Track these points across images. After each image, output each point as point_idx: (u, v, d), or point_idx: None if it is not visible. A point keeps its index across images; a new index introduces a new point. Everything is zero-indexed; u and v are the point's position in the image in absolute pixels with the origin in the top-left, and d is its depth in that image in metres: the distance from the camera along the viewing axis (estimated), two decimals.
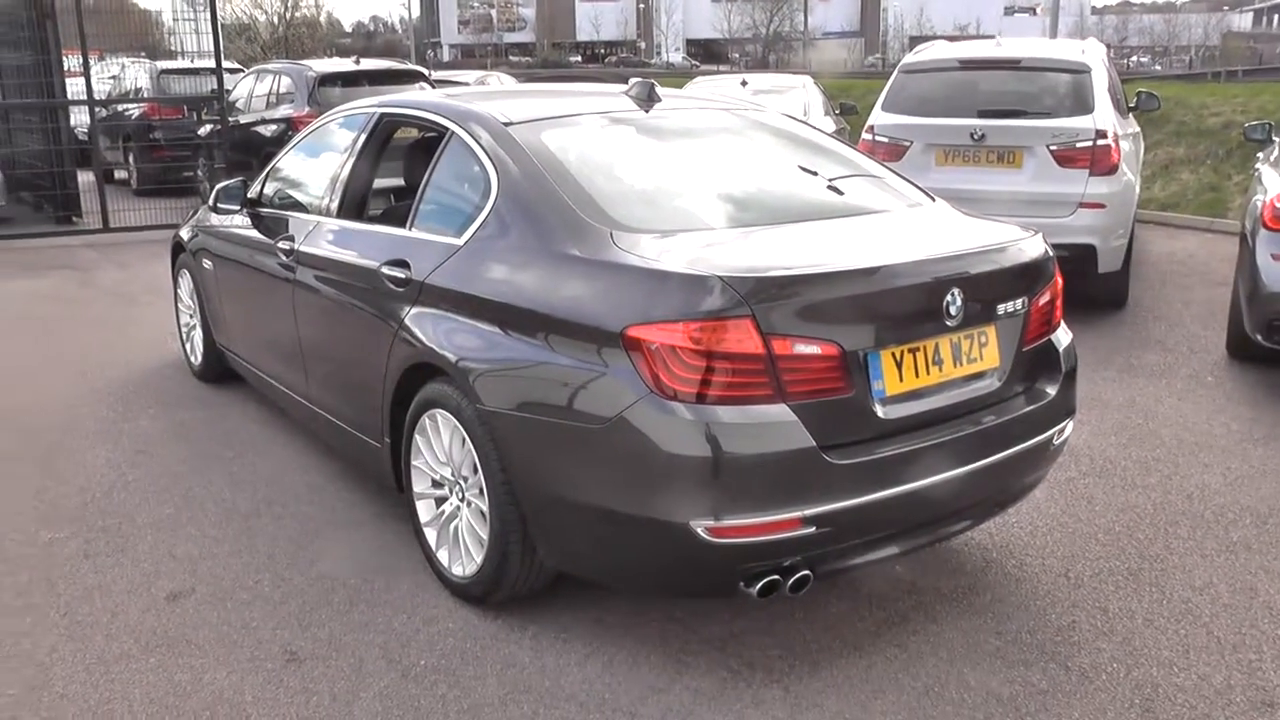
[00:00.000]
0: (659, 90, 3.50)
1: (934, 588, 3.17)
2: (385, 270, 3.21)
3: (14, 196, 10.78)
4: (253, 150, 9.84)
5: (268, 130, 9.83)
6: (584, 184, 2.86)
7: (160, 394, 5.05)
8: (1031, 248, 2.97)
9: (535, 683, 2.67)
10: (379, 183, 3.86)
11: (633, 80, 3.55)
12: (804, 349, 2.42)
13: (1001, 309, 2.83)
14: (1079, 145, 5.95)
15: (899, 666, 2.76)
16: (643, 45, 78.51)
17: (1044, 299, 2.99)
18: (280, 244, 3.91)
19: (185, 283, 5.17)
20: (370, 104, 3.88)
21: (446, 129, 3.31)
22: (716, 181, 3.16)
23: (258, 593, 3.16)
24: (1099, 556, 3.37)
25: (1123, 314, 6.49)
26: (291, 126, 9.29)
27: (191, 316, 5.18)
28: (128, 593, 3.17)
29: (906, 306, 2.62)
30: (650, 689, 2.64)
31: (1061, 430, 3.04)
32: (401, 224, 3.36)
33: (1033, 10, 78.43)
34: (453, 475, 3.05)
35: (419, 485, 3.22)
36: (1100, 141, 5.96)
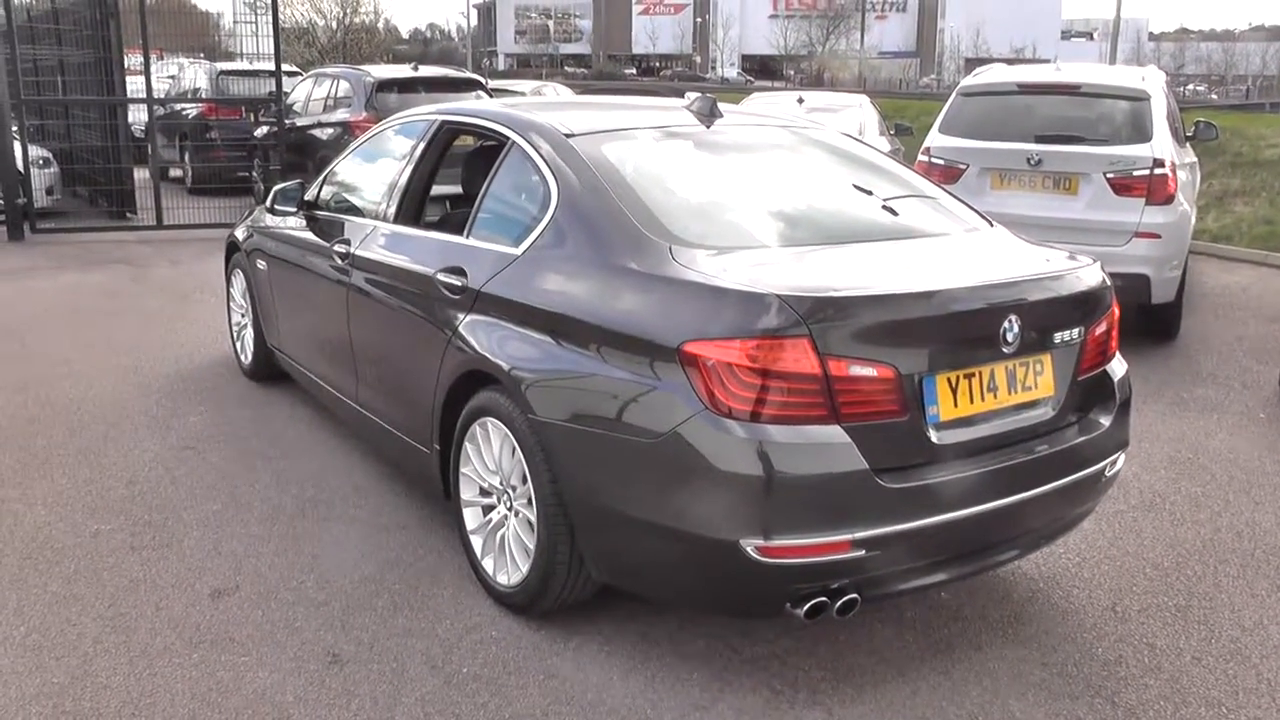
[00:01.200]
0: (720, 106, 3.50)
1: (980, 615, 3.12)
2: (441, 277, 3.24)
3: (69, 190, 11.02)
4: (309, 153, 9.99)
5: (324, 134, 9.97)
6: (643, 197, 2.86)
7: (210, 391, 5.13)
8: (1090, 276, 2.93)
9: (577, 695, 2.67)
10: (436, 190, 3.89)
11: (693, 95, 3.56)
12: (860, 371, 2.40)
13: (1058, 337, 2.79)
14: (1136, 174, 5.87)
15: (943, 694, 2.73)
16: (698, 60, 78.75)
17: (1100, 328, 2.95)
18: (336, 247, 3.96)
19: (239, 282, 5.25)
20: (430, 111, 3.92)
21: (507, 139, 3.34)
22: (774, 199, 3.16)
23: (301, 593, 3.18)
24: (1146, 591, 3.31)
25: (1174, 346, 6.39)
26: (348, 131, 9.43)
27: (243, 316, 5.26)
28: (172, 587, 3.21)
29: (963, 332, 2.60)
30: (693, 706, 2.63)
31: (1114, 462, 2.99)
32: (459, 231, 3.39)
33: (1089, 35, 77.70)
34: (501, 484, 3.06)
35: (467, 493, 3.23)
36: (1158, 171, 5.87)
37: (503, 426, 2.95)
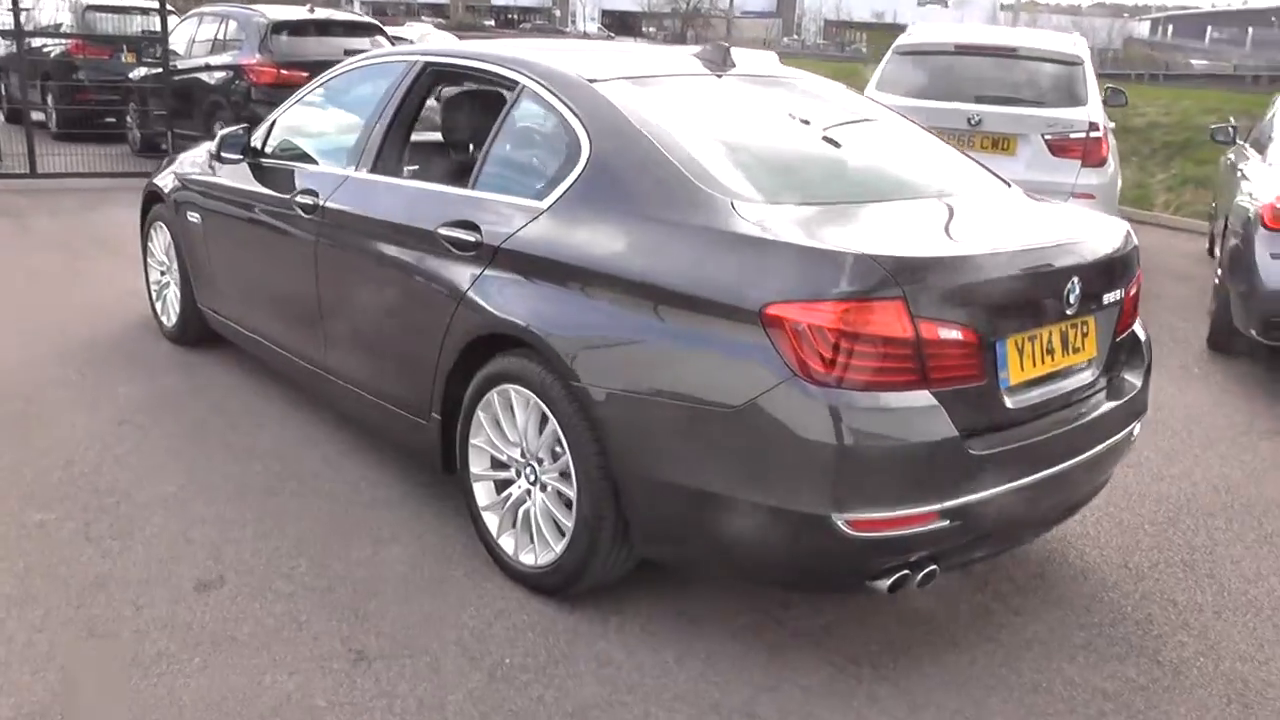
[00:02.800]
0: (733, 55, 3.31)
1: (1007, 578, 3.10)
2: (446, 232, 2.96)
3: None
4: (195, 99, 9.19)
5: (212, 78, 9.18)
6: (689, 149, 2.66)
7: (132, 357, 4.64)
8: (1129, 239, 2.91)
9: (637, 682, 2.50)
10: (415, 138, 3.57)
11: (705, 44, 3.35)
12: (948, 334, 2.29)
13: (1106, 298, 2.76)
14: (1073, 136, 6.00)
15: (999, 661, 2.69)
16: (558, 13, 77.33)
17: (1133, 289, 2.94)
18: (299, 198, 3.59)
19: (160, 237, 4.75)
20: (407, 53, 3.59)
21: (516, 83, 3.06)
22: (812, 152, 3.01)
23: (299, 582, 2.89)
24: (1151, 548, 3.37)
25: None
26: (241, 75, 8.71)
27: (164, 274, 4.77)
28: (147, 582, 2.86)
29: (1035, 293, 2.53)
30: (759, 688, 2.50)
31: (1139, 424, 3.00)
32: (459, 183, 3.11)
33: (944, 3, 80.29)
34: (523, 456, 2.83)
35: (477, 466, 2.99)
36: (1093, 133, 6.03)
37: (529, 394, 2.72)
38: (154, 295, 4.92)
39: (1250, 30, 49.77)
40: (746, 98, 3.18)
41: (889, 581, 2.36)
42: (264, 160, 3.93)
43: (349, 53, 9.52)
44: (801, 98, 3.39)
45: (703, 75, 3.22)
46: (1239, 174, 5.86)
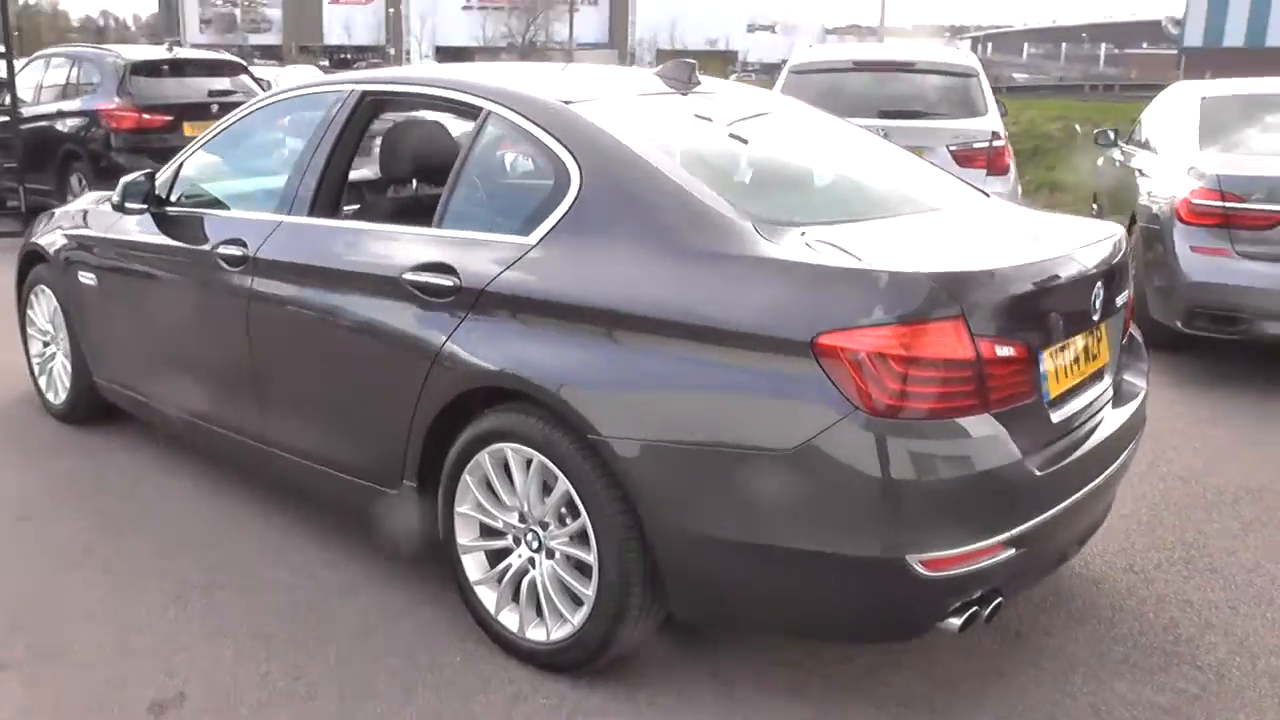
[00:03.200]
0: (697, 73, 3.12)
1: (1024, 598, 2.98)
2: (415, 277, 2.66)
3: None
4: (47, 150, 8.38)
5: (66, 126, 8.40)
6: (692, 172, 2.46)
7: (19, 442, 4.09)
8: (1124, 241, 2.87)
9: None
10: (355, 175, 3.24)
11: (670, 62, 3.16)
12: (1003, 351, 2.15)
13: (1117, 302, 2.70)
14: (976, 146, 6.10)
15: (1051, 687, 2.56)
16: (391, 51, 76.23)
17: (1131, 292, 2.90)
18: (222, 249, 3.20)
19: (44, 303, 4.21)
20: (337, 81, 3.25)
21: (479, 109, 2.78)
22: (808, 170, 2.86)
23: (273, 689, 2.51)
24: (1147, 548, 3.33)
25: None
26: (97, 121, 8.01)
27: (49, 344, 4.23)
28: (91, 710, 2.43)
29: (1070, 301, 2.43)
30: None
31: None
32: (419, 221, 2.81)
33: (772, 29, 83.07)
34: (522, 522, 2.55)
35: (464, 536, 2.69)
36: (995, 143, 6.14)
37: (531, 453, 2.45)
38: (36, 369, 4.36)
39: (1064, 46, 53.52)
40: (723, 118, 3.01)
41: (961, 620, 2.19)
42: (172, 210, 3.51)
43: (214, 93, 9.06)
44: (776, 116, 3.24)
45: (671, 95, 3.02)
46: (1137, 173, 6.06)
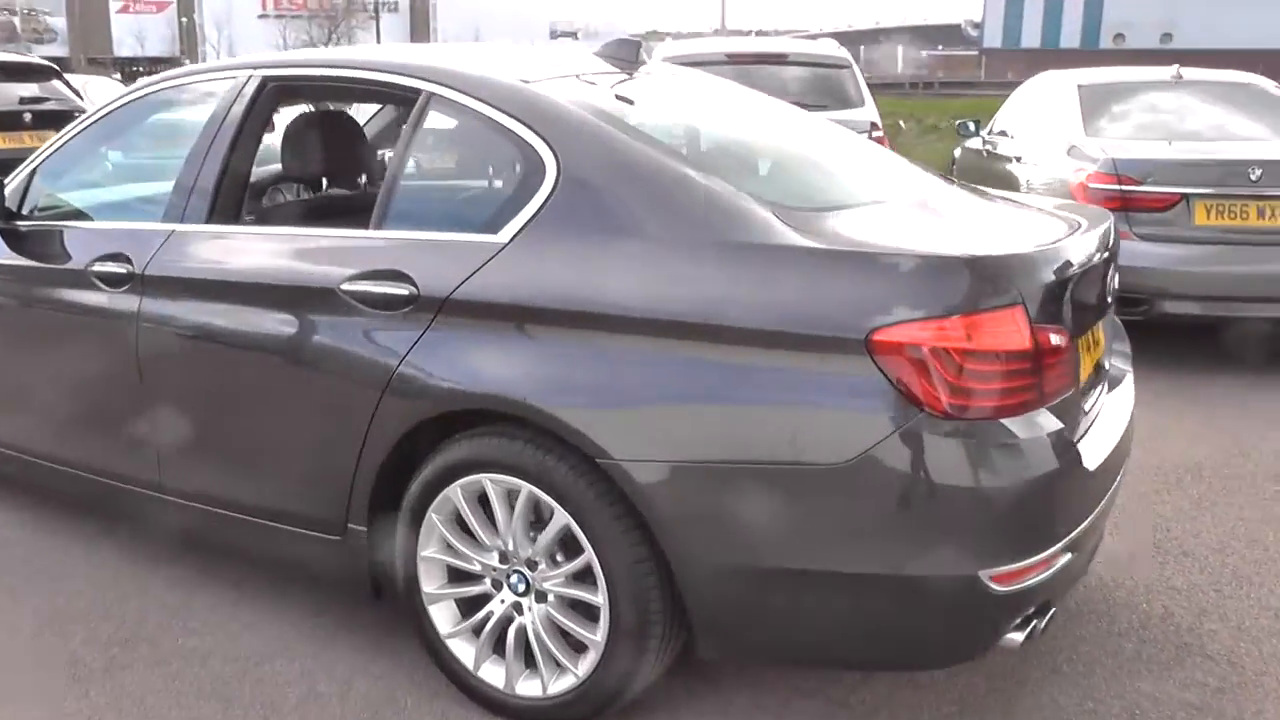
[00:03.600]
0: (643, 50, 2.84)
1: None
2: (356, 287, 2.28)
3: None
4: None
5: None
6: (689, 154, 2.19)
7: None
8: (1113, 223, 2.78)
9: None
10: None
11: (612, 41, 2.86)
12: (1056, 340, 1.98)
13: (1114, 286, 2.60)
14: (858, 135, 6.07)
15: (1079, 692, 2.42)
16: (187, 62, 72.48)
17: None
18: (99, 268, 2.70)
19: None
20: (230, 67, 2.80)
21: (418, 92, 2.41)
22: (796, 152, 2.63)
23: None
24: (1112, 535, 3.27)
25: None
26: None
27: None
28: None
29: (1095, 286, 2.31)
30: None
31: None
32: (349, 223, 2.43)
33: (574, 35, 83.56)
34: (504, 562, 2.22)
35: (430, 583, 2.33)
36: (875, 132, 6.14)
37: (517, 483, 2.12)
38: None
39: (861, 48, 56.37)
40: (684, 98, 2.75)
41: (1023, 635, 2.01)
42: (25, 225, 2.96)
43: (25, 100, 8.10)
44: (731, 98, 3.00)
45: (620, 74, 2.73)
46: (1011, 160, 6.16)
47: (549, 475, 2.08)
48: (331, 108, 2.97)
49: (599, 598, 2.08)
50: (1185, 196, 4.80)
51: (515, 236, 2.17)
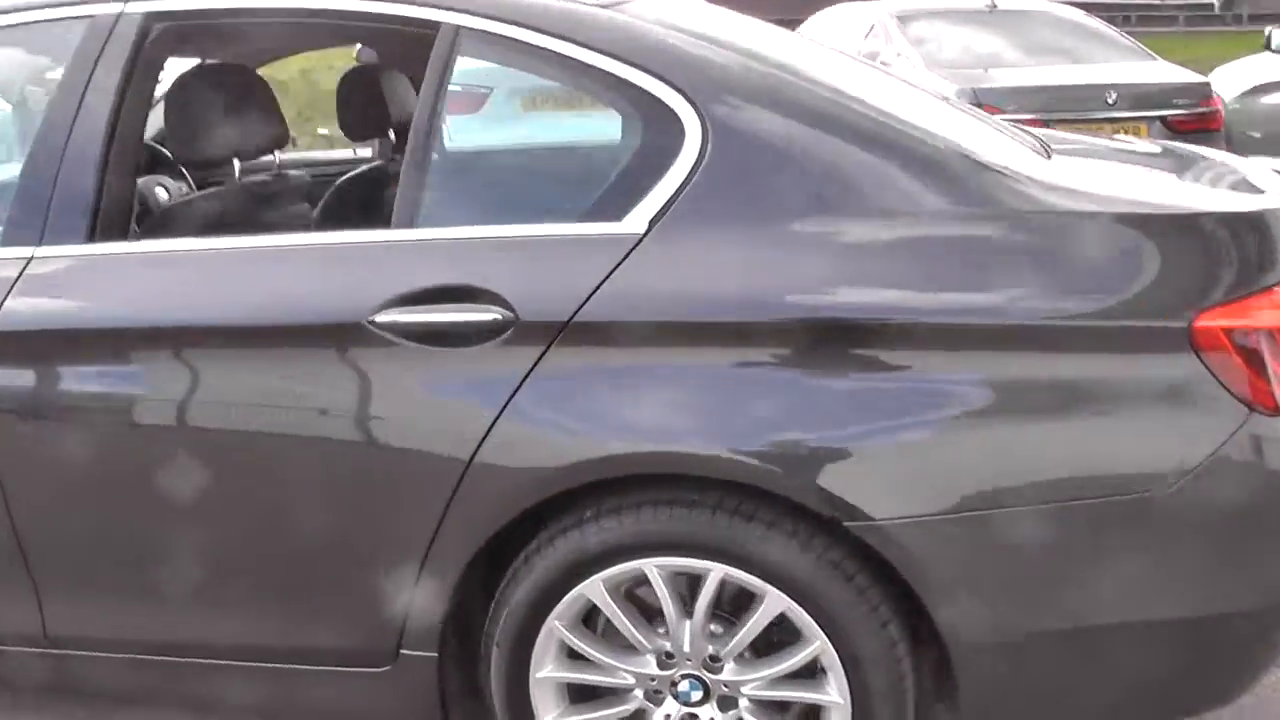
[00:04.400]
0: None
1: None
2: (398, 318, 1.56)
3: None
4: None
5: None
6: (874, 100, 1.67)
7: None
8: None
9: None
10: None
11: None
12: None
13: None
14: None
15: None
16: None
17: None
18: None
19: None
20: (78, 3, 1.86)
21: (437, 25, 1.64)
22: (922, 98, 2.12)
23: None
24: None
25: None
26: None
27: None
28: None
29: None
30: None
31: None
32: (351, 220, 1.69)
33: None
34: (667, 668, 1.63)
35: (549, 712, 1.69)
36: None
37: (704, 564, 1.55)
38: None
39: None
40: (779, 40, 2.15)
41: None
42: None
43: None
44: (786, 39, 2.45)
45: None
46: None
47: (755, 550, 1.51)
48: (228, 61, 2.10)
49: (832, 696, 1.56)
50: (1046, 123, 4.82)
51: (655, 225, 1.54)
